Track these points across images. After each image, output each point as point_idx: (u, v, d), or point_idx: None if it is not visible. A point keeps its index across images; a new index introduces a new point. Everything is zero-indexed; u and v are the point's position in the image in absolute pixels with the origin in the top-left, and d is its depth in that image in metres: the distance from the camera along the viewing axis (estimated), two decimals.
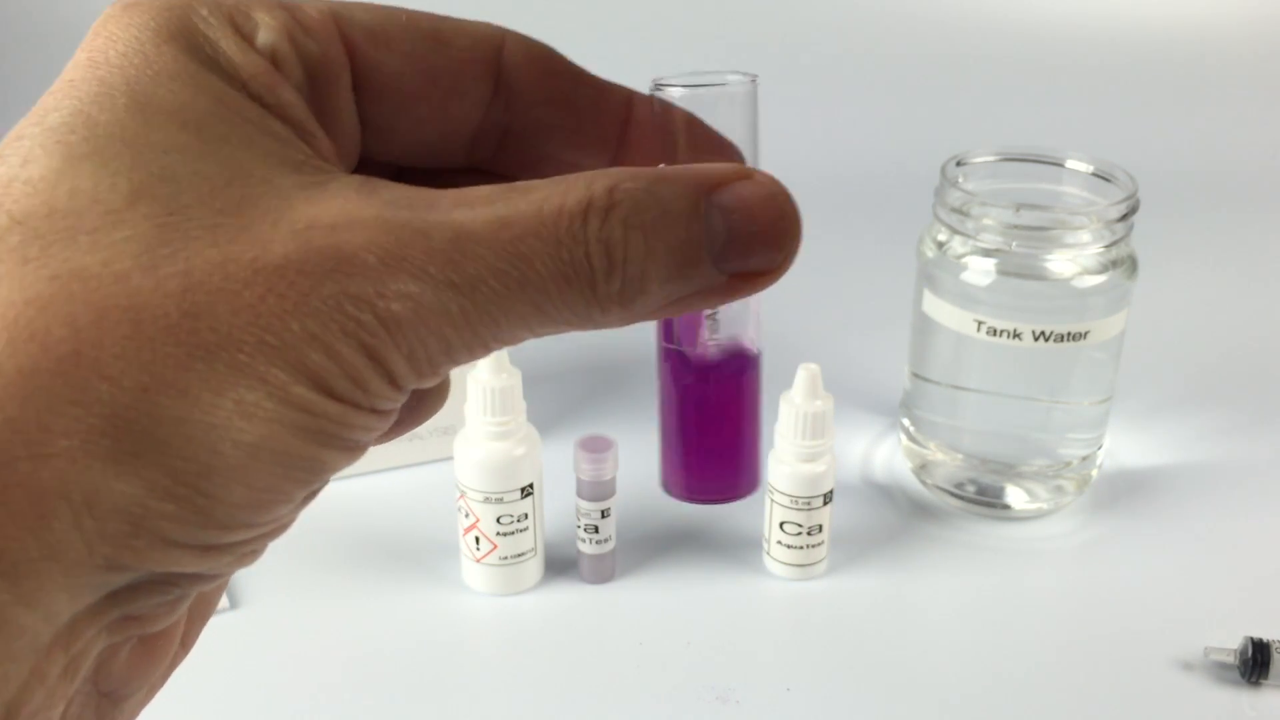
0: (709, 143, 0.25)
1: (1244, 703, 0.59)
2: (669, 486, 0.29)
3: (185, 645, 0.23)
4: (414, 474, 0.75)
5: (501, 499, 0.63)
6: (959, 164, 0.71)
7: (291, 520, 0.21)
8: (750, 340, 0.28)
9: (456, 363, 0.21)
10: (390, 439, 0.24)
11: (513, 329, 0.20)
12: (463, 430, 0.64)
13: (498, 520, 0.64)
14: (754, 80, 0.25)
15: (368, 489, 0.73)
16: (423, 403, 0.25)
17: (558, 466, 0.71)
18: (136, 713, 0.22)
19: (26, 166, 0.19)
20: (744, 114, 0.25)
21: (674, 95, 0.24)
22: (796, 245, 0.22)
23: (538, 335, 0.21)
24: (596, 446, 0.64)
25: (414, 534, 0.71)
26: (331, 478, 0.21)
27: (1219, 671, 0.61)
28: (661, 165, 0.25)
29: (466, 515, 0.64)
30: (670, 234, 0.21)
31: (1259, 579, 0.68)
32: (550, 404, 0.81)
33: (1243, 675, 0.60)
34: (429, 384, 0.21)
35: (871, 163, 1.17)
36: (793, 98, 1.21)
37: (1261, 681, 0.60)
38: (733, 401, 0.27)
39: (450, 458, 0.65)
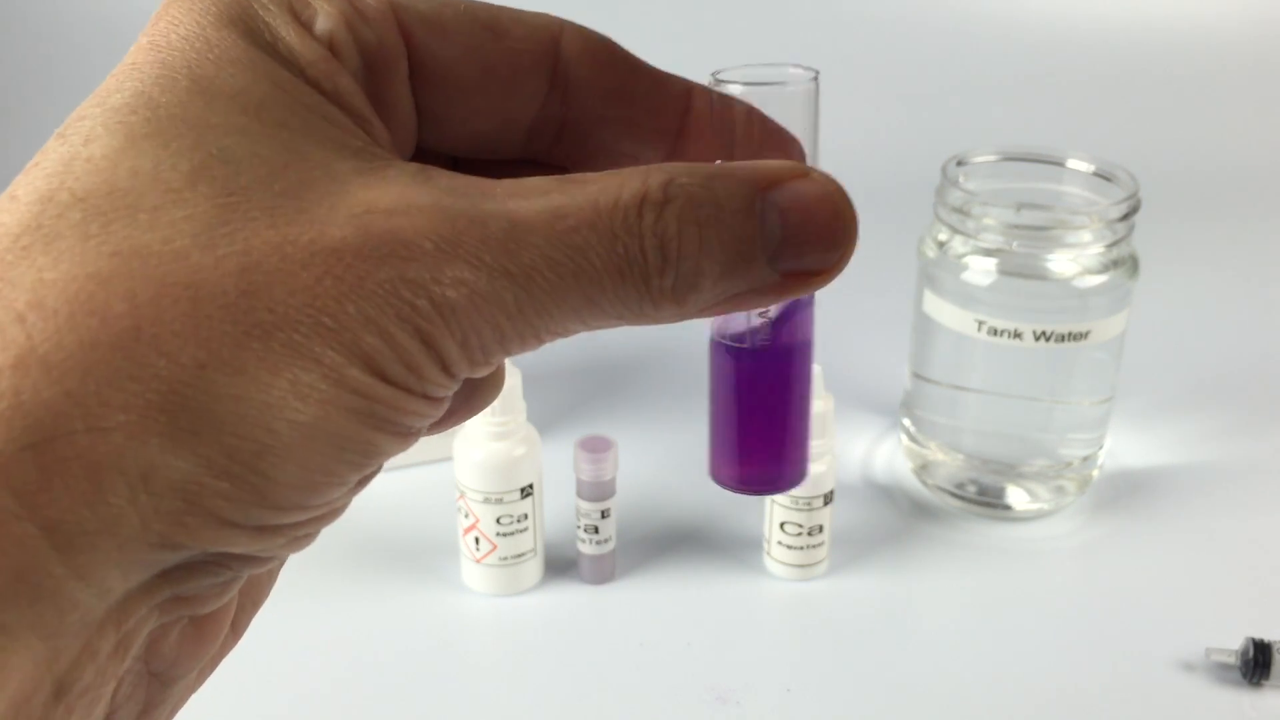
0: (770, 135, 0.25)
1: (1245, 703, 0.59)
2: (721, 479, 0.28)
3: (236, 632, 0.23)
4: (414, 474, 0.75)
5: (501, 499, 0.63)
6: (960, 164, 0.71)
7: (344, 505, 0.21)
8: (802, 326, 0.27)
9: (509, 352, 0.21)
10: (444, 429, 0.24)
11: (565, 320, 0.20)
12: (462, 430, 0.64)
13: (498, 520, 0.64)
14: (815, 76, 0.24)
15: (368, 489, 0.73)
16: (476, 392, 0.25)
17: (558, 466, 0.70)
18: (185, 697, 0.22)
19: (89, 145, 0.19)
20: (804, 111, 0.24)
21: (734, 91, 0.24)
22: (852, 246, 0.22)
23: (590, 328, 0.21)
24: (596, 446, 0.64)
25: (414, 534, 0.70)
26: (385, 463, 0.21)
27: (1220, 672, 0.61)
28: (719, 161, 0.24)
29: (466, 515, 0.64)
30: (725, 230, 0.21)
31: (1260, 579, 0.68)
32: (550, 404, 0.81)
33: (1244, 676, 0.60)
34: (481, 373, 0.21)
35: (871, 163, 1.17)
36: None
37: (1263, 682, 0.59)
38: (786, 390, 0.27)
39: (450, 458, 0.65)
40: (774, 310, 0.25)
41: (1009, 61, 1.25)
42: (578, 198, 0.20)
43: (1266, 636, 0.60)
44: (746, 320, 0.25)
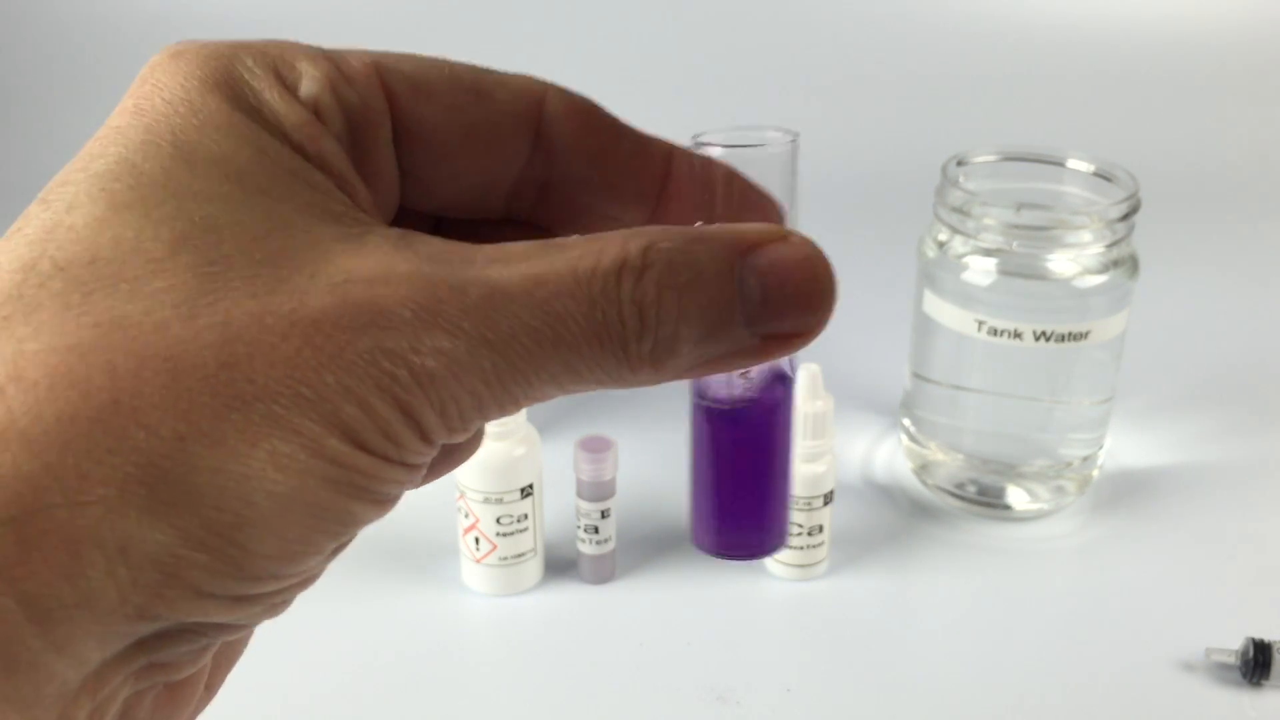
0: (750, 197, 0.25)
1: (1245, 703, 0.59)
2: (702, 544, 0.28)
3: (210, 690, 0.23)
4: None
5: (501, 499, 0.63)
6: (960, 163, 0.71)
7: (320, 572, 0.21)
8: (782, 388, 0.27)
9: (487, 418, 0.21)
10: (418, 487, 0.24)
11: (544, 386, 0.21)
12: None
13: (497, 520, 0.64)
14: (795, 139, 0.24)
15: None
16: (453, 453, 0.25)
17: (558, 466, 0.70)
18: None
19: (71, 213, 0.19)
20: (784, 172, 0.25)
21: (714, 153, 0.24)
22: (830, 309, 0.22)
23: (568, 392, 0.21)
24: (596, 446, 0.64)
25: (414, 534, 0.70)
26: (360, 531, 0.21)
27: (1220, 672, 0.61)
28: (699, 223, 0.24)
29: (466, 515, 0.64)
30: (703, 295, 0.21)
31: (1260, 579, 0.68)
32: (550, 404, 0.80)
33: (1244, 676, 0.60)
34: (459, 439, 0.21)
35: (871, 163, 1.17)
36: (793, 98, 1.21)
37: (1262, 682, 0.59)
38: (765, 453, 0.27)
39: None
40: (754, 371, 0.25)
41: (1009, 61, 1.25)
42: (557, 264, 0.20)
43: (1266, 636, 0.60)
44: (726, 382, 0.25)
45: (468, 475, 0.63)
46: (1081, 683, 0.61)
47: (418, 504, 0.72)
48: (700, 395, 0.26)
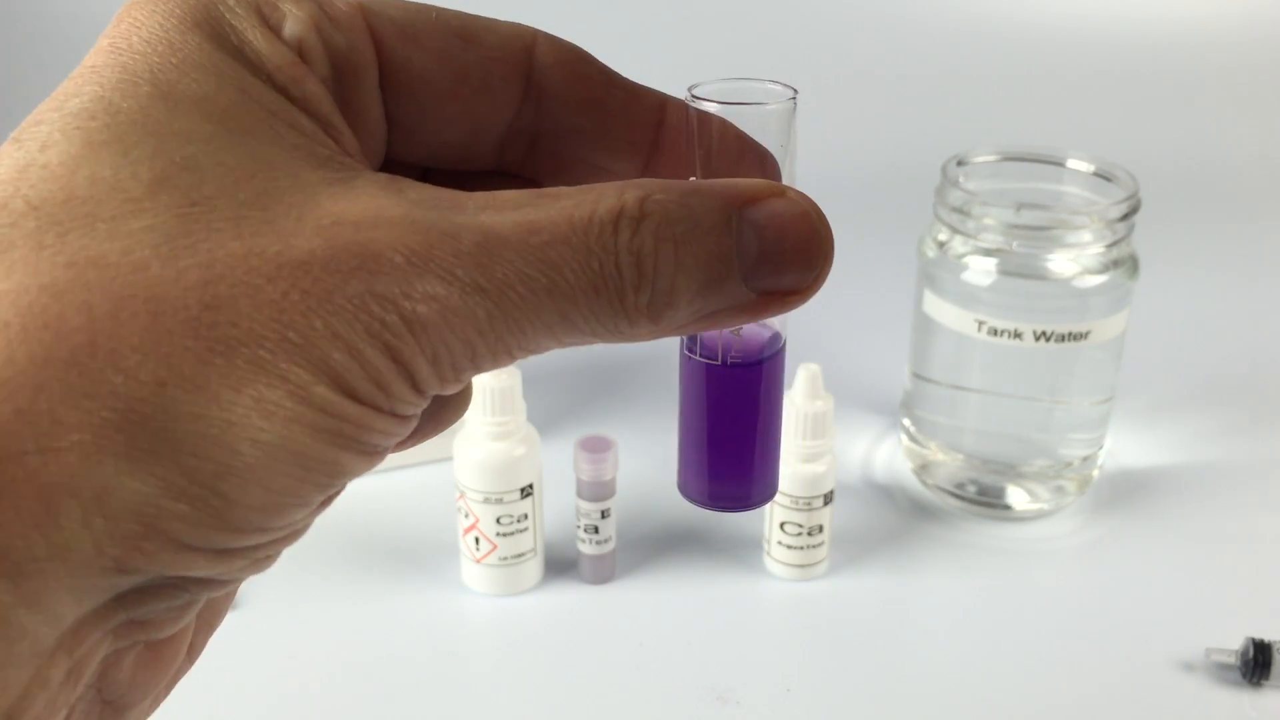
0: (745, 151, 0.24)
1: (1245, 703, 0.59)
2: (689, 494, 0.28)
3: (191, 655, 0.23)
4: (414, 474, 0.75)
5: (501, 499, 0.63)
6: (960, 163, 0.71)
7: (306, 526, 0.20)
8: (774, 343, 0.27)
9: (480, 369, 0.20)
10: (408, 447, 0.23)
11: (538, 337, 0.20)
12: (463, 430, 0.64)
13: (497, 520, 0.64)
14: (794, 96, 0.24)
15: (368, 489, 0.73)
16: (443, 410, 0.25)
17: (558, 466, 0.70)
18: None
19: (45, 152, 0.19)
20: (781, 130, 0.24)
21: (709, 109, 0.24)
22: (828, 266, 0.22)
23: (564, 345, 0.21)
24: (596, 446, 0.64)
25: (414, 534, 0.70)
26: (349, 483, 0.20)
27: (1220, 672, 0.61)
28: (693, 177, 0.24)
29: (466, 515, 0.64)
30: (701, 247, 0.20)
31: (1260, 579, 0.68)
32: (550, 404, 0.81)
33: (1244, 676, 0.60)
34: (451, 390, 0.20)
35: (871, 163, 1.17)
36: None
37: (1263, 682, 0.59)
38: (756, 407, 0.26)
39: (450, 458, 0.65)
40: (745, 329, 0.25)
41: (1009, 61, 1.25)
42: (551, 212, 0.20)
43: (1266, 636, 0.60)
44: (718, 335, 0.25)
45: (468, 475, 0.63)
46: (1081, 683, 0.61)
47: (418, 504, 0.72)
48: (691, 349, 0.26)
